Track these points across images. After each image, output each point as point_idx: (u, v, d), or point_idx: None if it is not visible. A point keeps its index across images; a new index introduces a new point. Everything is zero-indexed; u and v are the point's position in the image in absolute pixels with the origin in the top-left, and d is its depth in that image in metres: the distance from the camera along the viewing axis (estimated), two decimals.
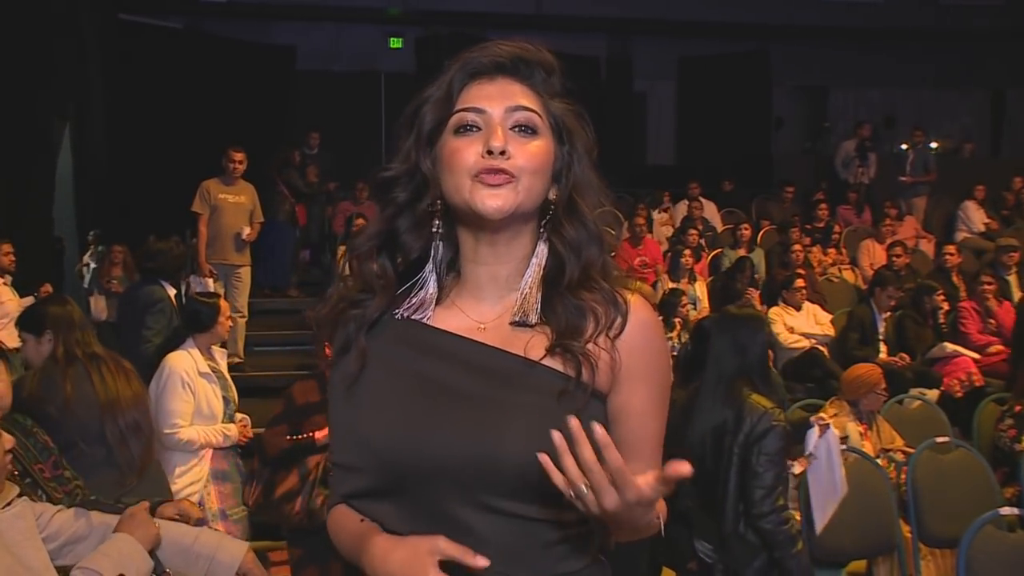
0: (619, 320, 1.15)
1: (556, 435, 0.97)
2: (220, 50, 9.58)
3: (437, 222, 1.18)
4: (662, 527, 1.11)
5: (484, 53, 1.18)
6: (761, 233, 8.76)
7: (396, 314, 1.20)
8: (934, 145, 10.61)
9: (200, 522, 2.11)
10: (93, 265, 6.85)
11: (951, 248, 7.32)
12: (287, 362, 6.71)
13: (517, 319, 1.16)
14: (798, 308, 6.31)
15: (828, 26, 11.74)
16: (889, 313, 6.19)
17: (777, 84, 11.82)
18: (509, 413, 1.09)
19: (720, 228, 9.27)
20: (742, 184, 10.51)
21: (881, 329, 6.15)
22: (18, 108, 6.62)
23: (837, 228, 8.37)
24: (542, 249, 1.18)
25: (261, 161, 7.41)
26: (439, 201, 1.17)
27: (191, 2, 10.65)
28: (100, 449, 2.88)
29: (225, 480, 3.72)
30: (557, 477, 0.98)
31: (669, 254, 7.35)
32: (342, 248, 7.35)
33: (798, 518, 3.24)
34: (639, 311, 1.17)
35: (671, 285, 6.71)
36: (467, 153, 1.13)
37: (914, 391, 5.30)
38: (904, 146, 10.25)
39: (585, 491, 0.98)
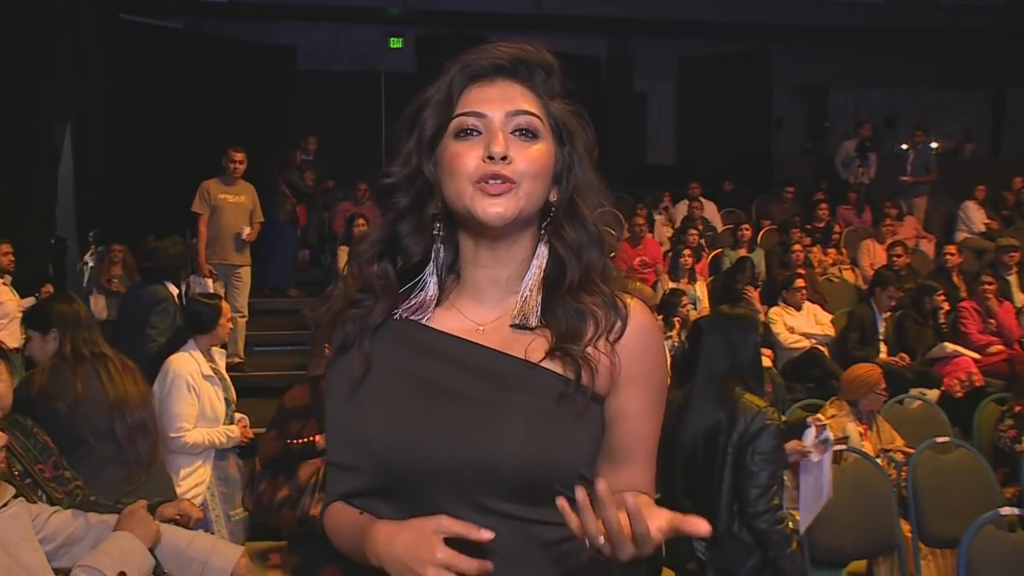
0: (619, 324, 1.15)
1: (580, 492, 0.96)
2: (220, 50, 9.56)
3: (438, 225, 1.18)
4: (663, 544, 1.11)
5: (484, 55, 1.17)
6: (761, 233, 8.74)
7: (396, 315, 1.19)
8: (934, 145, 10.59)
9: (202, 523, 2.11)
10: (92, 264, 6.85)
11: (951, 248, 7.31)
12: (287, 362, 6.70)
13: (517, 322, 1.15)
14: (798, 308, 6.31)
15: (828, 26, 11.72)
16: (889, 313, 6.20)
17: (777, 84, 11.80)
18: (508, 415, 1.09)
19: (720, 228, 9.26)
20: (742, 184, 10.49)
21: (881, 329, 6.15)
22: (18, 108, 6.61)
23: (837, 228, 8.35)
24: (543, 251, 1.18)
25: (261, 161, 7.40)
26: (440, 204, 1.17)
27: (191, 2, 10.64)
28: (110, 446, 2.90)
29: (226, 482, 3.72)
30: (573, 520, 0.98)
31: (669, 254, 7.34)
32: (343, 249, 7.37)
33: (798, 518, 3.24)
34: (638, 315, 1.18)
35: (671, 285, 6.69)
36: (468, 158, 1.13)
37: (914, 391, 5.30)
38: (904, 146, 10.25)
39: (602, 542, 0.97)
